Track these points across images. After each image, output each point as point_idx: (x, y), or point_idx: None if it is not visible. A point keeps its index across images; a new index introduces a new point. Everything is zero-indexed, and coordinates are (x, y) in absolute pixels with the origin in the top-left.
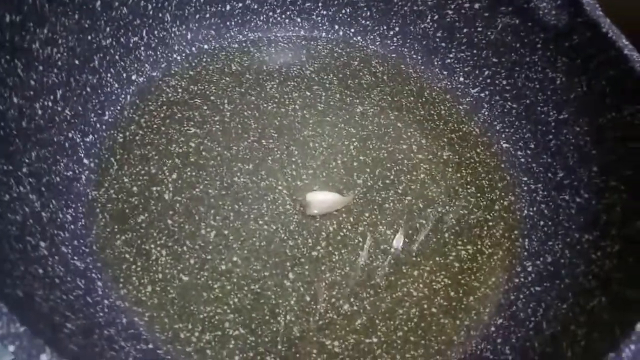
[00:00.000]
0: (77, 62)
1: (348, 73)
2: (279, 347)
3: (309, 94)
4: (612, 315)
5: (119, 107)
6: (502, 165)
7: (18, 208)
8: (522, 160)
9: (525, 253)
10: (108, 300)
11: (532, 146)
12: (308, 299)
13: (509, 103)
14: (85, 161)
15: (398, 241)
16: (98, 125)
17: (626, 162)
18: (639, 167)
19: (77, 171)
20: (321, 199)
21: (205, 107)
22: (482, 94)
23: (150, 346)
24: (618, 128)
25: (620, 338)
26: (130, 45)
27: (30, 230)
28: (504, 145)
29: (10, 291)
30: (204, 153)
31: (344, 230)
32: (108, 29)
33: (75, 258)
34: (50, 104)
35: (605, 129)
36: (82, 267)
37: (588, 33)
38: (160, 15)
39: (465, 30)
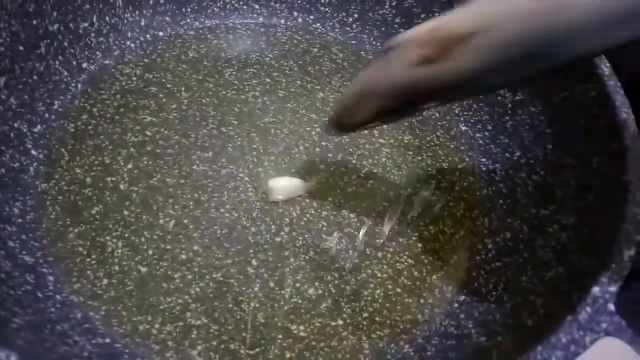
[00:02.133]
0: (21, 48)
1: (308, 60)
2: (244, 334)
3: (269, 80)
4: (570, 284)
5: (69, 96)
6: (462, 148)
7: None
8: (481, 142)
9: (486, 231)
10: (60, 295)
11: (490, 128)
12: (272, 284)
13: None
14: (34, 152)
15: (363, 235)
16: (47, 115)
17: (579, 139)
18: (592, 143)
19: (24, 162)
20: (283, 185)
21: (161, 95)
22: None
23: (107, 340)
24: (570, 106)
25: (576, 302)
26: (80, 31)
27: None
28: (463, 127)
29: None
30: (160, 142)
31: (308, 215)
32: (55, 13)
33: (24, 252)
34: None
35: (558, 108)
36: (31, 262)
37: None
38: (111, 0)
39: (422, 15)
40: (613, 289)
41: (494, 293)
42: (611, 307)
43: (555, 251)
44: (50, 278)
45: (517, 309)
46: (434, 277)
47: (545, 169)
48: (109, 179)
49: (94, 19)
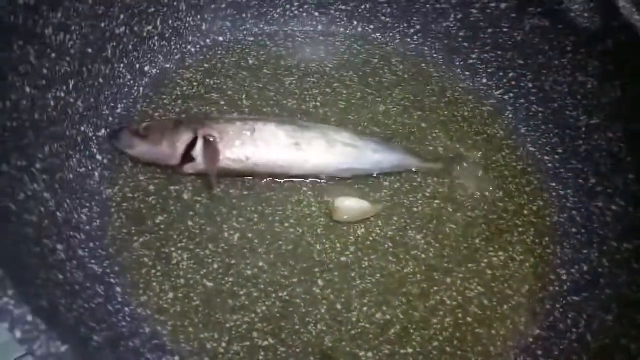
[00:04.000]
0: (90, 50)
1: (368, 71)
2: (312, 358)
3: (329, 91)
4: None
5: (131, 100)
6: (529, 170)
7: (34, 208)
8: (550, 165)
9: (558, 261)
10: (129, 308)
11: (560, 151)
12: (339, 307)
13: (535, 106)
14: (99, 157)
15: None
16: (110, 119)
17: None
18: None
19: (90, 167)
20: (350, 206)
21: (222, 103)
22: (507, 96)
23: (177, 358)
24: None
25: None
26: (144, 34)
27: (46, 233)
28: (530, 149)
29: (37, 302)
30: None
31: (373, 235)
32: (122, 16)
33: (93, 262)
34: (62, 94)
35: None
36: (99, 272)
37: (623, 37)
38: (175, 4)
39: (490, 30)
40: None
41: (574, 330)
42: None
43: None
44: (118, 289)
45: (606, 352)
46: (505, 307)
47: (627, 200)
48: (172, 187)
49: (158, 22)
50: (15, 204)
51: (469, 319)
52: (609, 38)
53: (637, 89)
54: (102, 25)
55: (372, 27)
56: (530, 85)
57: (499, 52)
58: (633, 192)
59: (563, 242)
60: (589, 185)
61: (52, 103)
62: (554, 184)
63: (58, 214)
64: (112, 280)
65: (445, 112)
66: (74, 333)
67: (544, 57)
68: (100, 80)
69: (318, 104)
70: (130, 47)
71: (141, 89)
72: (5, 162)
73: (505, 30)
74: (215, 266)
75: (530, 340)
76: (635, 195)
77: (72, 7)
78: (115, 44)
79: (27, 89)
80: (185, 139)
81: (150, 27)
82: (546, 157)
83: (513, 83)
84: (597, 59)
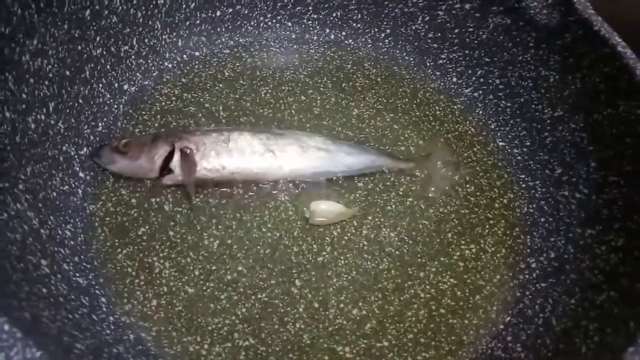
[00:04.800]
0: (68, 73)
1: (342, 76)
2: (290, 355)
3: (304, 98)
4: (624, 310)
5: (112, 118)
6: (499, 164)
7: (17, 226)
8: (519, 157)
9: (528, 250)
10: (113, 316)
11: (528, 143)
12: (316, 305)
13: (503, 102)
14: (81, 174)
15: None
16: (92, 137)
17: (624, 157)
18: (638, 161)
19: (73, 185)
20: (325, 209)
21: (200, 115)
22: (476, 94)
23: None
24: (614, 124)
25: (636, 332)
26: (121, 54)
27: (30, 249)
28: (500, 143)
29: (19, 314)
30: None
31: (348, 235)
32: (98, 38)
33: (77, 275)
34: (43, 117)
35: (601, 125)
36: (84, 284)
37: (580, 31)
38: (150, 23)
39: (456, 30)
40: None
41: (541, 315)
42: None
43: (604, 274)
44: (103, 299)
45: (568, 334)
46: (477, 297)
47: (589, 187)
48: (153, 199)
49: (134, 42)
50: None
51: (442, 310)
52: (567, 32)
53: (595, 80)
54: (79, 47)
55: (344, 33)
56: (498, 81)
57: (467, 51)
58: (594, 179)
59: (532, 231)
60: (555, 175)
61: (33, 126)
62: (523, 176)
63: (42, 230)
64: (96, 291)
65: (417, 113)
66: (56, 342)
67: (508, 54)
68: (80, 101)
69: (293, 111)
70: (108, 67)
71: (121, 106)
72: None
73: (470, 29)
74: (197, 272)
75: (501, 327)
76: (597, 182)
77: (47, 33)
78: (93, 65)
79: (7, 114)
80: (162, 152)
81: (126, 47)
82: (515, 151)
83: (481, 80)
84: (557, 53)
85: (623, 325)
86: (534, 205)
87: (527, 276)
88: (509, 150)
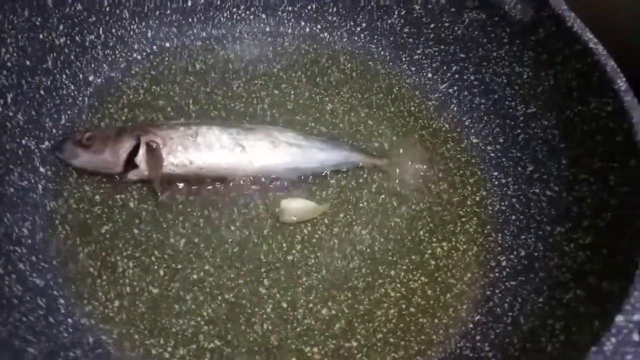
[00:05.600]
0: (28, 62)
1: (316, 70)
2: (257, 357)
3: (277, 92)
4: (590, 308)
5: (76, 111)
6: (473, 161)
7: None
8: (492, 154)
9: (499, 248)
10: (72, 318)
11: (501, 140)
12: (285, 305)
13: (478, 98)
14: (42, 169)
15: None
16: (54, 131)
17: (595, 155)
18: (608, 159)
19: (32, 180)
20: (296, 207)
21: (169, 109)
22: (451, 90)
23: None
24: (585, 121)
25: (600, 331)
26: (87, 44)
27: None
28: (474, 140)
29: None
30: None
31: (319, 233)
32: (61, 27)
33: (34, 275)
34: (0, 108)
35: (573, 122)
36: (42, 285)
37: (553, 27)
38: (117, 12)
39: (432, 25)
40: (637, 317)
41: (509, 314)
42: (636, 337)
43: (572, 272)
44: (62, 301)
45: (535, 333)
46: (448, 295)
47: (560, 184)
48: (118, 196)
49: (101, 31)
50: None
51: (412, 310)
52: (540, 28)
53: (568, 77)
54: (41, 36)
55: (319, 26)
56: (472, 77)
57: (442, 47)
58: (565, 176)
59: (504, 229)
60: (527, 172)
61: None
62: (495, 173)
63: None
64: (54, 292)
65: (392, 109)
66: (5, 346)
67: (483, 50)
68: (42, 92)
69: (265, 105)
70: (72, 57)
71: (86, 99)
72: None
73: (446, 24)
74: (161, 272)
75: (471, 326)
76: (568, 179)
77: (5, 20)
78: (55, 55)
79: None
80: (127, 146)
81: (92, 37)
82: (489, 147)
83: (456, 76)
84: (531, 49)
85: (588, 324)
86: (506, 203)
87: (497, 274)
88: (483, 147)
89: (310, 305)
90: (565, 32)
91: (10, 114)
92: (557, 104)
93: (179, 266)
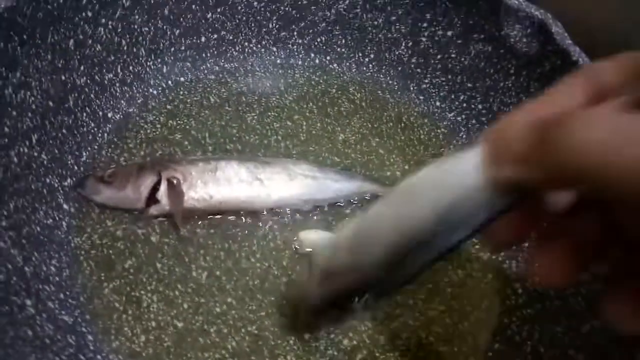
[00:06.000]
0: (51, 103)
1: (327, 101)
2: None
3: (290, 123)
4: (608, 340)
5: (96, 147)
6: None
7: (0, 266)
8: None
9: (514, 275)
10: (101, 355)
11: None
12: (307, 336)
13: (486, 126)
14: (65, 206)
15: None
16: (76, 168)
17: None
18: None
19: (57, 218)
20: (315, 238)
21: (186, 143)
22: (459, 118)
23: None
24: None
25: None
26: (105, 82)
27: (15, 289)
28: None
29: None
30: None
31: None
32: (82, 67)
33: (63, 312)
34: (25, 150)
35: None
36: (70, 322)
37: (558, 61)
38: (134, 50)
39: (439, 56)
40: None
41: (529, 343)
42: None
43: (587, 301)
44: (90, 337)
45: None
46: (466, 323)
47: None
48: (140, 231)
49: (119, 69)
50: None
51: (432, 338)
52: (546, 61)
53: None
54: (63, 77)
55: (328, 57)
56: (480, 106)
57: (449, 76)
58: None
59: (517, 256)
60: None
61: (16, 159)
62: None
63: (26, 268)
64: (83, 329)
65: (402, 137)
66: None
67: (490, 80)
68: (64, 131)
69: (279, 137)
70: (92, 95)
71: (105, 135)
72: None
73: (453, 55)
74: (185, 306)
75: (490, 354)
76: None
77: (30, 65)
78: (76, 95)
79: None
80: (148, 182)
81: (111, 75)
82: None
83: (464, 105)
84: (537, 80)
85: (608, 357)
86: None
87: (513, 302)
88: None
89: (332, 336)
90: (570, 65)
91: (35, 154)
92: None
93: (202, 300)
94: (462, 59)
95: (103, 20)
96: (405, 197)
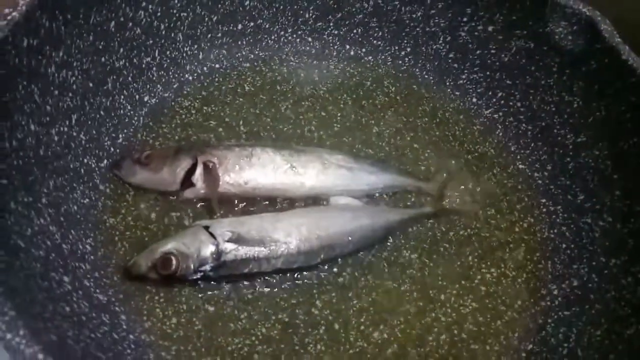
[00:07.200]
0: (91, 84)
1: (361, 93)
2: None
3: (324, 114)
4: None
5: (132, 130)
6: (519, 187)
7: (40, 242)
8: (540, 181)
9: (550, 276)
10: (133, 334)
11: (550, 168)
12: (337, 327)
13: (524, 125)
14: (101, 187)
15: None
16: (112, 149)
17: None
18: None
19: (93, 198)
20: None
21: (220, 129)
22: (496, 115)
23: None
24: None
25: None
26: (143, 65)
27: (53, 265)
28: (520, 166)
29: (46, 337)
30: None
31: (369, 256)
32: (122, 50)
33: (98, 291)
34: (66, 129)
35: (627, 154)
36: (104, 301)
37: (606, 59)
38: (172, 35)
39: (478, 52)
40: None
41: (565, 345)
42: None
43: (631, 306)
44: (123, 317)
45: None
46: (499, 322)
47: (614, 215)
48: (173, 214)
49: (156, 53)
50: (23, 240)
51: (464, 335)
52: (592, 60)
53: (620, 109)
54: (103, 59)
55: (364, 50)
56: (519, 104)
57: (488, 73)
58: (619, 208)
59: (554, 257)
60: (577, 201)
61: (56, 138)
62: (544, 200)
63: (64, 245)
64: (116, 308)
65: (437, 132)
66: None
67: (530, 77)
68: (102, 113)
69: (313, 127)
70: (129, 78)
71: (141, 118)
72: (13, 200)
73: (492, 51)
74: (216, 291)
75: (524, 355)
76: (622, 211)
77: (73, 45)
78: (115, 77)
79: (32, 127)
80: (184, 165)
81: (149, 59)
82: (536, 174)
83: (502, 102)
84: (581, 79)
85: None
86: (555, 231)
87: (549, 303)
88: (530, 174)
89: (362, 327)
90: (619, 64)
91: (74, 134)
92: (609, 134)
93: (233, 285)
94: (502, 55)
95: (144, 4)
96: None
